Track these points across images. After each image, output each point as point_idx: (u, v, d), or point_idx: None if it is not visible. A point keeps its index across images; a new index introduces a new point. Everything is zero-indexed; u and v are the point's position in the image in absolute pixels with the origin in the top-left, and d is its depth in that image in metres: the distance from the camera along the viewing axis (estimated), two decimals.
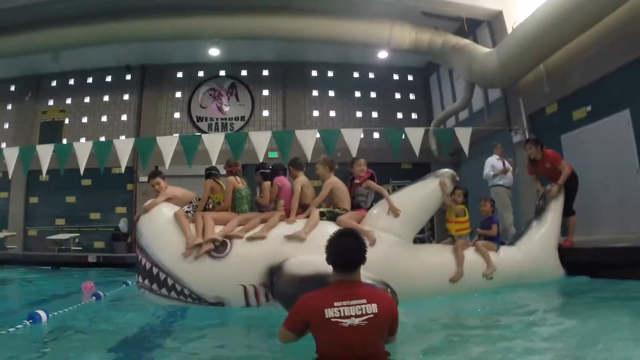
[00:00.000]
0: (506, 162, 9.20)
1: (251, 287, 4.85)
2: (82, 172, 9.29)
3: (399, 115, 17.85)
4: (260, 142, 9.33)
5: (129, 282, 6.32)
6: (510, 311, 4.91)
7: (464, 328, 4.19)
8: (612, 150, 9.11)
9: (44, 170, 9.35)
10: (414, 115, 17.98)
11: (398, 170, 15.69)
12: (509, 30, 12.06)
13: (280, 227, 5.27)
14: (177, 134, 14.49)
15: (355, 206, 5.77)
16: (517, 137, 12.27)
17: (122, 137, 14.50)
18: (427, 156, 15.17)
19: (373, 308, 2.41)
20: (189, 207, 5.62)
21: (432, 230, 14.11)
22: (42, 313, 4.13)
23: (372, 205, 5.81)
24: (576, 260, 6.77)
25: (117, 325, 4.47)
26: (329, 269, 3.83)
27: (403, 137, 10.41)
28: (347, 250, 2.55)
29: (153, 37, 13.09)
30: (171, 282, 4.98)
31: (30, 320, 3.99)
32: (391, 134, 10.34)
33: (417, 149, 10.03)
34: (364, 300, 2.42)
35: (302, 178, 5.84)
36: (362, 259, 2.58)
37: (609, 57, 9.25)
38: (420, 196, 5.84)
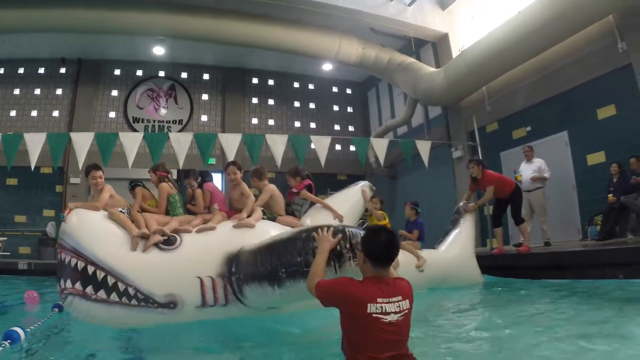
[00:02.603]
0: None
1: (208, 279, 4.42)
2: (32, 167, 8.43)
3: (337, 127, 18.32)
4: (230, 144, 9.15)
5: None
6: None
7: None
8: (551, 167, 10.05)
9: None
10: (351, 128, 18.59)
11: (334, 181, 16.14)
12: (454, 52, 12.98)
13: (226, 222, 5.14)
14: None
15: (289, 214, 5.96)
16: (456, 152, 13.17)
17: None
18: (361, 168, 15.83)
19: (407, 304, 2.54)
20: (122, 209, 5.13)
21: None
22: (19, 331, 3.63)
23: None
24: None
25: (100, 333, 4.19)
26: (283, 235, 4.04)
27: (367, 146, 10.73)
28: (389, 245, 2.63)
29: (93, 29, 12.28)
30: (112, 281, 4.29)
31: (9, 341, 3.49)
32: (358, 144, 10.59)
33: (382, 159, 10.38)
34: (400, 297, 2.52)
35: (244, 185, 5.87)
36: (397, 254, 2.71)
37: (549, 84, 10.33)
38: (349, 203, 6.51)
